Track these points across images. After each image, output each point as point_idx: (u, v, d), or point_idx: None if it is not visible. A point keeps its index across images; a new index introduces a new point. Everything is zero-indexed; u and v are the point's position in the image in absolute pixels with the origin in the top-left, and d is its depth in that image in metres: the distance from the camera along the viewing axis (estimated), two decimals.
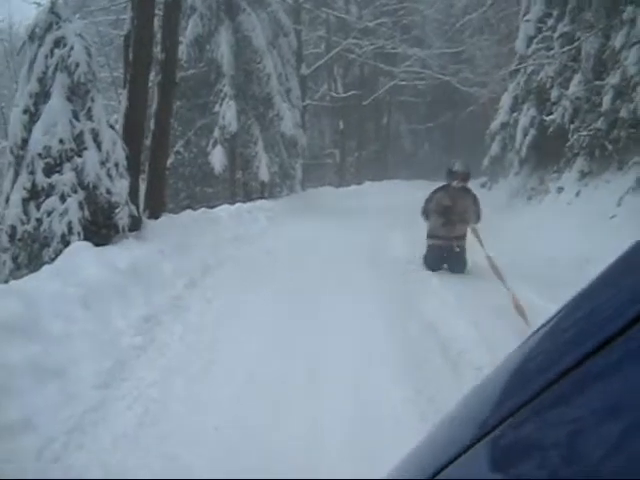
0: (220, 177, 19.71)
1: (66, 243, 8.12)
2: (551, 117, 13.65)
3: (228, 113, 18.34)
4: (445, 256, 9.28)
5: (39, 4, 9.55)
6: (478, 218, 9.39)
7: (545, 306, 6.13)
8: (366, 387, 5.06)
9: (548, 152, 14.51)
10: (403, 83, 32.32)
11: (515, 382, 0.77)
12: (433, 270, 9.12)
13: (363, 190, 26.05)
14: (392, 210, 16.51)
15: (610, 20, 11.72)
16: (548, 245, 9.60)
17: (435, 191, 9.72)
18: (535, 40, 15.33)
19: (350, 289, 8.28)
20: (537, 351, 0.76)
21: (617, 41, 11.05)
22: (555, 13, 14.75)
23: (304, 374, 5.32)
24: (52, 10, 9.13)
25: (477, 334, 5.98)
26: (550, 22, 14.89)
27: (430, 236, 9.57)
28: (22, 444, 3.92)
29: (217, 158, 18.37)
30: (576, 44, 12.77)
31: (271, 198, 19.60)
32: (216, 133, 18.51)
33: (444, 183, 9.66)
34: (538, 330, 0.77)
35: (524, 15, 16.69)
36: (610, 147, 11.12)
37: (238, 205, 15.50)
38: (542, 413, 0.65)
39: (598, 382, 0.59)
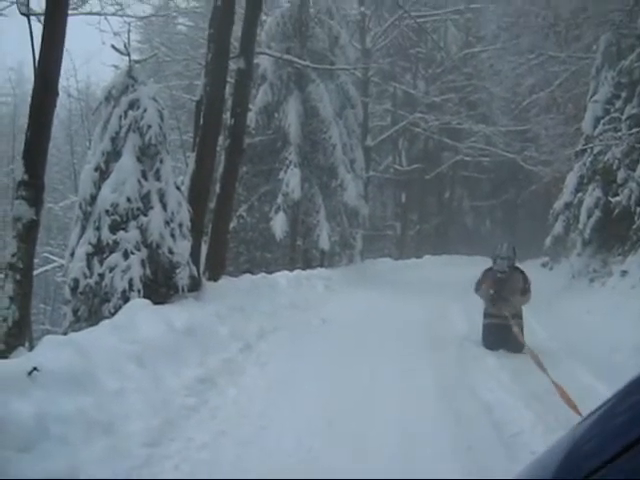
0: (281, 243, 19.82)
1: (126, 299, 8.25)
2: (617, 199, 13.45)
3: (292, 180, 18.54)
4: (502, 335, 9.10)
5: (117, 67, 9.93)
6: (527, 297, 9.40)
7: (606, 393, 5.95)
8: (414, 467, 4.94)
9: (612, 234, 14.28)
10: (467, 159, 32.37)
11: (566, 464, 0.76)
12: (490, 349, 8.96)
13: (422, 263, 25.92)
14: (450, 285, 16.33)
15: None
16: (610, 330, 9.35)
17: (485, 271, 9.76)
18: (602, 121, 15.26)
19: (403, 365, 8.14)
20: (588, 435, 0.75)
21: None
22: (623, 95, 14.71)
23: (352, 448, 5.21)
24: (129, 73, 9.48)
25: (533, 416, 5.82)
26: (618, 104, 14.85)
27: (485, 315, 9.50)
28: None
29: (279, 224, 18.50)
30: None
31: (330, 267, 19.63)
32: (279, 200, 18.68)
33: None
34: (590, 414, 0.76)
35: (592, 96, 16.66)
36: None
37: (297, 272, 15.58)
38: None
39: None
